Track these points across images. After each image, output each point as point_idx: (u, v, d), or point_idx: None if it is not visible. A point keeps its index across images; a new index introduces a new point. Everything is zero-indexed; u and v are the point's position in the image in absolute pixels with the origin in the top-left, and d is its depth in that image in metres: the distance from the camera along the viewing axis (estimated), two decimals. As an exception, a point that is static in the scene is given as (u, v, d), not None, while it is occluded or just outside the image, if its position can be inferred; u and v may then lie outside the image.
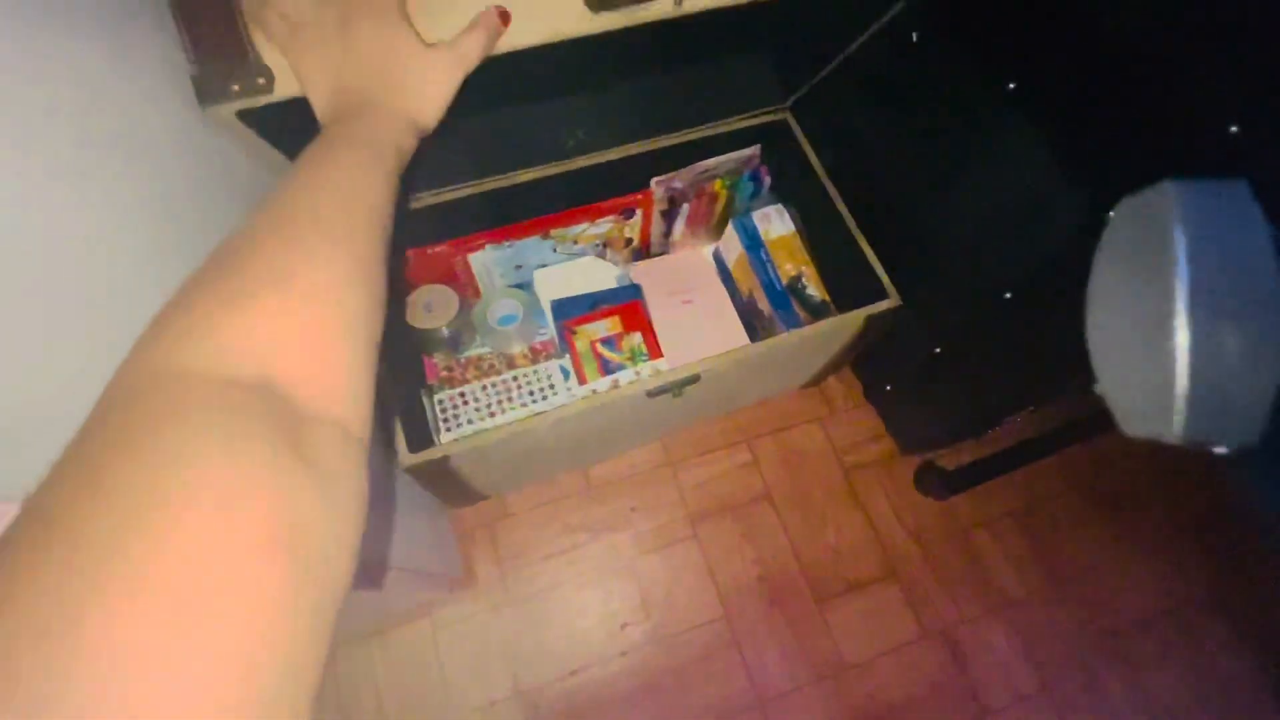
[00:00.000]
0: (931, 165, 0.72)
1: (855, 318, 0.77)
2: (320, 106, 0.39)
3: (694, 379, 0.72)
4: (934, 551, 1.00)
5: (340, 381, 0.26)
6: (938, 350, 0.85)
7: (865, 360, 1.03)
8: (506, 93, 0.56)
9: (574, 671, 0.89)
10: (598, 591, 0.94)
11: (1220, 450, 0.37)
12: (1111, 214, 0.44)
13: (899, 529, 1.01)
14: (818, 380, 1.05)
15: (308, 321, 0.25)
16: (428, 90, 0.39)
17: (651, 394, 0.72)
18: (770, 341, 0.76)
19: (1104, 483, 1.06)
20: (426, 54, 0.39)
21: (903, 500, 1.02)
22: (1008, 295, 0.69)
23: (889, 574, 0.98)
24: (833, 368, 0.96)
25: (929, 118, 0.72)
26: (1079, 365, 0.81)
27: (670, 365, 0.84)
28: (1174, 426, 0.36)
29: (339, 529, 0.22)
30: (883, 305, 0.78)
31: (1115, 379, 0.43)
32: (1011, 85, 0.59)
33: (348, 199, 0.31)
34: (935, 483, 1.00)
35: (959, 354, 0.83)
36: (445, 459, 0.67)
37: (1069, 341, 0.73)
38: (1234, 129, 0.47)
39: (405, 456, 0.66)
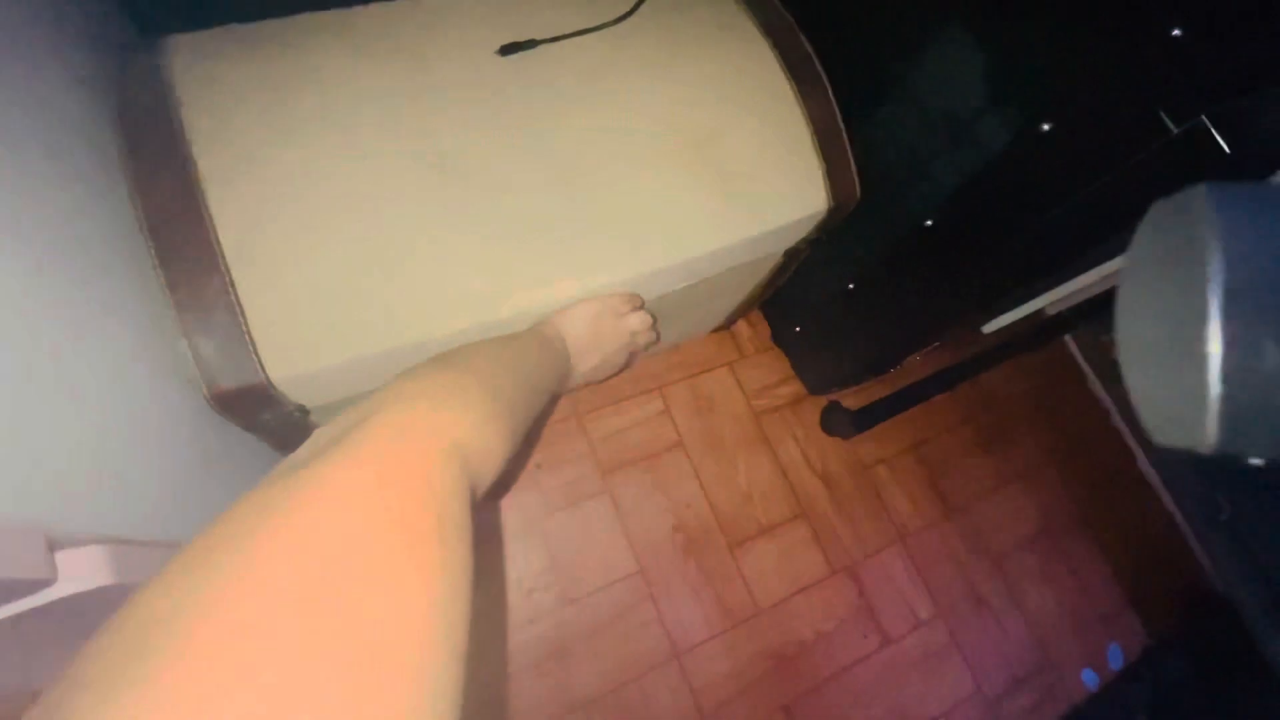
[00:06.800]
0: (855, 83, 0.67)
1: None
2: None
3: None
4: (839, 489, 1.01)
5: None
6: (851, 286, 0.83)
7: (774, 301, 1.00)
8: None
9: (476, 645, 0.80)
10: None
11: (1256, 462, 0.35)
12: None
13: (806, 470, 1.00)
14: (730, 322, 1.01)
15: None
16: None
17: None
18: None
19: (987, 416, 1.13)
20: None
21: (810, 441, 1.02)
22: (928, 223, 0.67)
23: (798, 514, 0.97)
24: (748, 305, 0.92)
25: (850, 28, 0.67)
26: (987, 296, 0.82)
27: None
28: (1206, 437, 0.34)
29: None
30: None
31: (1146, 387, 0.40)
32: (948, -14, 0.55)
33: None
34: (840, 422, 1.00)
35: (872, 289, 0.82)
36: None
37: (982, 270, 0.74)
38: (1176, 32, 0.46)
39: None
